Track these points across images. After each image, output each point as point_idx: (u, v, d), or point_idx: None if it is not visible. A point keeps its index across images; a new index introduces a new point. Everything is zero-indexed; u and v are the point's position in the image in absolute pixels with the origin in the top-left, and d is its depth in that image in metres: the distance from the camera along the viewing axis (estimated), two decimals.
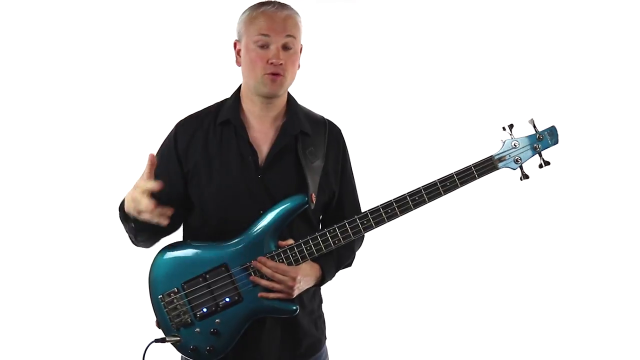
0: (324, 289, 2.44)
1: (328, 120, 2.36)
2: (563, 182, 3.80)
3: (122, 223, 2.29)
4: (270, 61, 2.13)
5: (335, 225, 2.20)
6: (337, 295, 2.96)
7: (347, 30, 3.86)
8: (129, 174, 3.29)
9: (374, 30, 3.89)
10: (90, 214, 3.80)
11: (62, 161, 3.85)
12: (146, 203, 2.07)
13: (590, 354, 3.91)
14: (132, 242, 2.34)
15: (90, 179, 3.83)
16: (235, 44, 2.24)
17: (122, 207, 2.24)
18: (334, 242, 2.20)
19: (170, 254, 2.26)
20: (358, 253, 2.46)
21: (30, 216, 3.84)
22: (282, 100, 2.27)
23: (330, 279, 2.34)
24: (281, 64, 2.13)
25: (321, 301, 2.44)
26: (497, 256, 3.97)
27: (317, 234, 2.20)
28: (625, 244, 3.92)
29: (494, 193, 3.77)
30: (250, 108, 2.26)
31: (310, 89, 2.81)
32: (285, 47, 2.15)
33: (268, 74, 2.14)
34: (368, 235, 2.41)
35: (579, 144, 3.53)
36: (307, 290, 2.31)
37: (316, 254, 2.20)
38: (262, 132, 2.26)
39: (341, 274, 2.53)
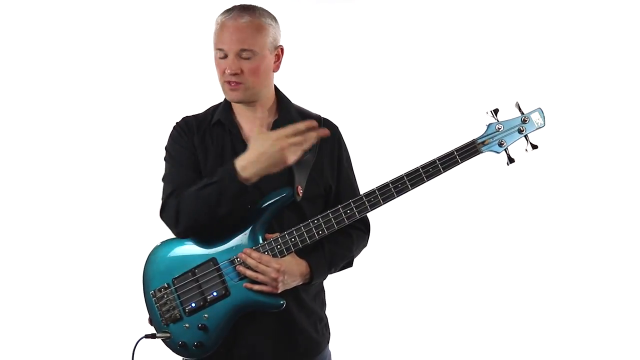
0: (328, 293, 2.39)
1: (324, 117, 2.36)
2: (555, 168, 3.74)
3: (202, 203, 2.12)
4: (225, 70, 2.18)
5: (319, 216, 2.18)
6: (343, 300, 2.91)
7: (346, 30, 3.88)
8: (122, 174, 3.40)
9: (373, 30, 3.92)
10: (84, 213, 3.83)
11: (56, 160, 3.91)
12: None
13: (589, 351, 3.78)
14: (190, 222, 2.17)
15: (83, 178, 3.87)
16: None
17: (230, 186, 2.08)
18: (317, 233, 2.17)
19: (163, 251, 2.28)
20: (362, 255, 2.40)
21: (23, 214, 3.90)
22: (267, 101, 2.29)
23: (322, 277, 2.29)
24: (237, 73, 2.17)
25: (324, 304, 2.39)
26: (500, 256, 3.91)
27: (301, 225, 2.18)
28: (621, 233, 3.81)
29: (493, 187, 3.75)
30: (239, 109, 2.30)
31: (310, 88, 2.84)
32: (242, 56, 2.17)
33: (226, 82, 2.20)
34: (372, 239, 2.39)
35: (568, 126, 3.41)
36: (307, 289, 2.29)
37: (300, 245, 2.18)
38: (253, 131, 2.27)
39: (345, 277, 2.49)
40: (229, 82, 2.19)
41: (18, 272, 3.89)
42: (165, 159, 2.34)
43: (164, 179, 2.32)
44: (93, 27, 3.93)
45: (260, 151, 2.06)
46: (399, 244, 3.87)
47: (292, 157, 2.05)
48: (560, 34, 3.79)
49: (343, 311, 2.90)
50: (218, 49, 2.19)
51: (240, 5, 2.23)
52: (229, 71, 2.17)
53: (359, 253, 2.40)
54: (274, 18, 2.25)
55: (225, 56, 2.18)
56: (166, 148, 2.35)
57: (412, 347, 3.89)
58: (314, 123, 2.08)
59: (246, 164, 2.07)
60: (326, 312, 2.41)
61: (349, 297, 3.59)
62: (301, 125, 2.07)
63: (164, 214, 2.24)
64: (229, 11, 2.22)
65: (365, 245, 2.40)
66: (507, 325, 3.85)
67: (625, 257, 3.81)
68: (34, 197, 3.91)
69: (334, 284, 2.41)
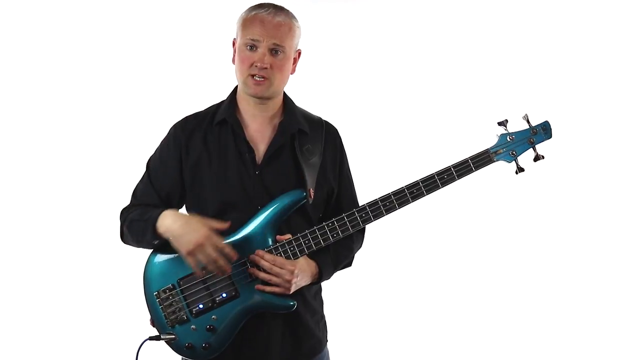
0: (325, 291, 2.42)
1: (325, 120, 2.39)
2: (560, 178, 3.86)
3: (132, 232, 2.27)
4: (255, 64, 2.17)
5: (334, 219, 2.21)
6: (339, 298, 2.94)
7: (346, 31, 3.93)
8: (124, 174, 3.29)
9: (373, 30, 3.96)
10: (85, 213, 3.78)
11: (58, 161, 3.85)
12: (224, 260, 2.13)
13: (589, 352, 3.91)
14: (127, 242, 2.33)
15: (84, 178, 3.82)
16: (233, 42, 2.27)
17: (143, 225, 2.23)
18: (332, 236, 2.21)
19: (165, 251, 2.24)
20: (359, 255, 2.45)
21: (25, 215, 3.83)
22: (278, 101, 2.30)
23: (328, 277, 2.32)
24: (266, 67, 2.17)
25: (322, 302, 2.42)
26: (499, 257, 3.98)
27: (315, 227, 2.20)
28: (623, 239, 3.94)
29: (494, 193, 3.84)
30: (246, 108, 2.29)
31: (309, 89, 2.86)
32: (274, 52, 2.19)
33: (252, 75, 2.19)
34: (368, 238, 2.43)
35: (573, 139, 3.59)
36: (310, 288, 2.31)
37: (314, 248, 2.20)
38: (258, 131, 2.28)
39: (343, 276, 2.52)
40: (254, 76, 2.18)
41: (21, 275, 3.80)
42: (147, 163, 2.36)
43: (137, 184, 2.36)
44: (93, 27, 3.87)
45: (183, 232, 2.13)
46: (397, 244, 3.92)
47: (190, 259, 2.13)
48: (566, 44, 3.90)
49: (339, 309, 2.92)
50: (250, 39, 2.17)
51: (271, 3, 2.23)
52: (259, 64, 2.16)
53: (356, 253, 2.45)
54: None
55: (255, 48, 2.17)
56: (154, 152, 2.35)
57: (410, 346, 3.94)
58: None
59: (166, 228, 2.16)
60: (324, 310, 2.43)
61: (344, 296, 3.61)
62: (233, 255, 2.14)
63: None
64: (262, 7, 2.21)
65: (361, 245, 2.45)
66: (507, 326, 3.93)
67: (628, 264, 3.93)
68: (35, 198, 3.83)
69: (330, 282, 2.43)
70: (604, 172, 3.91)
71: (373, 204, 2.21)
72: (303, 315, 2.28)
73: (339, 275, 2.41)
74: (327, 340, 2.41)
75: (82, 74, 3.86)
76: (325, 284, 2.40)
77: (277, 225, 2.21)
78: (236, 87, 2.33)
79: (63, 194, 3.81)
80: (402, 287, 3.97)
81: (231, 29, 2.29)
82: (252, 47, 2.18)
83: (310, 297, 2.32)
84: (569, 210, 3.94)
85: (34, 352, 3.78)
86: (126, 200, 2.35)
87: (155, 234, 2.19)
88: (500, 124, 2.23)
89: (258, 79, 2.18)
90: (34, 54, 3.82)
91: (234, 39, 2.26)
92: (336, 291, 2.65)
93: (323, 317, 2.40)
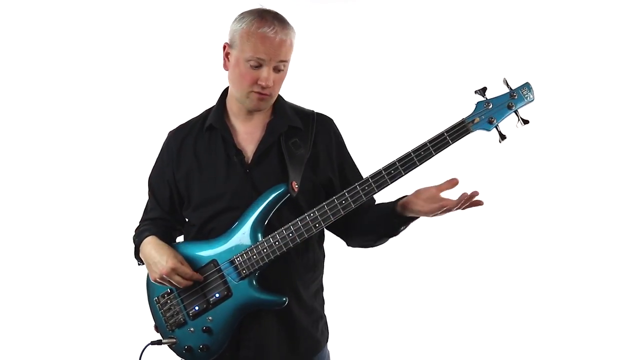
0: (326, 291, 2.37)
1: (317, 112, 2.35)
2: (550, 148, 3.72)
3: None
4: (259, 82, 2.16)
5: (314, 209, 2.15)
6: (341, 299, 2.88)
7: (344, 30, 3.90)
8: (126, 177, 3.38)
9: (372, 30, 3.92)
10: (89, 219, 3.86)
11: (63, 163, 3.92)
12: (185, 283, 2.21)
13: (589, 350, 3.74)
14: None
15: (87, 182, 3.90)
16: (225, 47, 2.23)
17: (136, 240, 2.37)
18: (314, 226, 2.14)
19: None
20: (360, 255, 2.39)
21: (28, 219, 3.90)
22: None
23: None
24: (270, 86, 2.16)
25: (323, 302, 2.38)
26: (500, 257, 3.88)
27: (297, 219, 2.15)
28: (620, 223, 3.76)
29: (492, 178, 3.65)
30: (236, 112, 2.29)
31: (307, 88, 2.85)
32: (276, 69, 2.17)
33: (255, 92, 2.18)
34: None
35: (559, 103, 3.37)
36: (308, 287, 2.28)
37: (298, 240, 2.15)
38: (248, 133, 2.28)
39: (344, 277, 2.49)
40: (258, 93, 2.18)
41: (26, 281, 3.91)
42: (148, 180, 2.44)
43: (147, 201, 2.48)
44: (93, 28, 3.95)
45: (152, 262, 2.23)
46: (396, 241, 3.83)
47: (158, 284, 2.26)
48: (546, 12, 3.79)
49: (341, 310, 2.87)
50: (256, 58, 2.14)
51: (272, 14, 2.18)
52: (264, 83, 2.15)
53: None
54: None
55: (260, 66, 2.15)
56: (152, 168, 2.42)
57: (411, 346, 3.86)
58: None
59: (143, 255, 2.29)
60: (325, 311, 2.39)
61: (347, 296, 3.57)
62: (197, 277, 2.21)
63: None
64: (265, 21, 2.15)
65: None
66: (506, 323, 3.83)
67: (625, 247, 3.78)
68: (35, 202, 3.92)
69: (332, 282, 2.40)
70: (594, 140, 3.73)
71: (351, 190, 2.13)
72: (297, 314, 2.25)
73: (340, 276, 2.38)
74: (326, 341, 2.36)
75: (78, 76, 3.93)
76: (326, 284, 2.37)
77: (264, 221, 2.19)
78: (225, 90, 2.35)
79: (66, 200, 3.88)
80: (404, 288, 3.89)
81: (224, 31, 2.25)
82: (257, 66, 2.15)
83: (307, 296, 2.28)
84: (561, 189, 3.79)
85: (39, 356, 3.87)
86: (127, 205, 2.42)
87: (139, 257, 2.32)
88: (477, 92, 2.10)
89: (261, 95, 2.18)
90: (32, 55, 3.91)
91: (226, 43, 2.22)
92: (337, 291, 2.59)
93: (323, 317, 2.36)
